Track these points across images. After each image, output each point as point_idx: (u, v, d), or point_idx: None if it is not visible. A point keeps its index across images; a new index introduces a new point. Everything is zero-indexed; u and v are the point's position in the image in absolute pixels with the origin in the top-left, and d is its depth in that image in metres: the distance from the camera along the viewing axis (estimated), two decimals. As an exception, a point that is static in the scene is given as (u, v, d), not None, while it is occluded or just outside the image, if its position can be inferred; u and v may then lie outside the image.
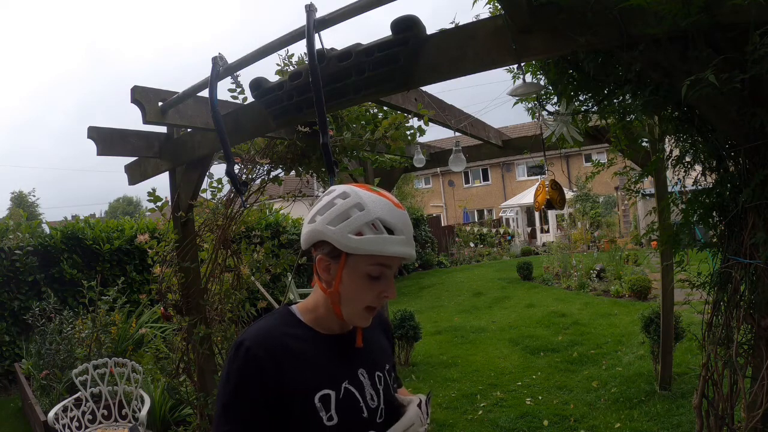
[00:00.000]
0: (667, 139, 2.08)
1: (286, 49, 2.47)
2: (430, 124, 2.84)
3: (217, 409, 0.94)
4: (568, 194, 12.77)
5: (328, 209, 0.96)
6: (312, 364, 0.97)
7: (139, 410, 3.51)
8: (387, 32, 1.81)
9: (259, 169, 3.14)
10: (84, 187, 73.79)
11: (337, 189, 0.99)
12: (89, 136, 2.63)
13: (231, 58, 2.04)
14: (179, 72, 24.62)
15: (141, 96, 2.26)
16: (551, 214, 17.71)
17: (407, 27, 1.76)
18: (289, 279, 6.76)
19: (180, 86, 2.26)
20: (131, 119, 2.30)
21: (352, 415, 0.98)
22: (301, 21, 1.70)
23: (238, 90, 2.62)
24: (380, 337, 1.17)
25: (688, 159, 1.79)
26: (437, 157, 4.93)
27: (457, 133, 3.50)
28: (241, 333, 0.99)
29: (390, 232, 0.94)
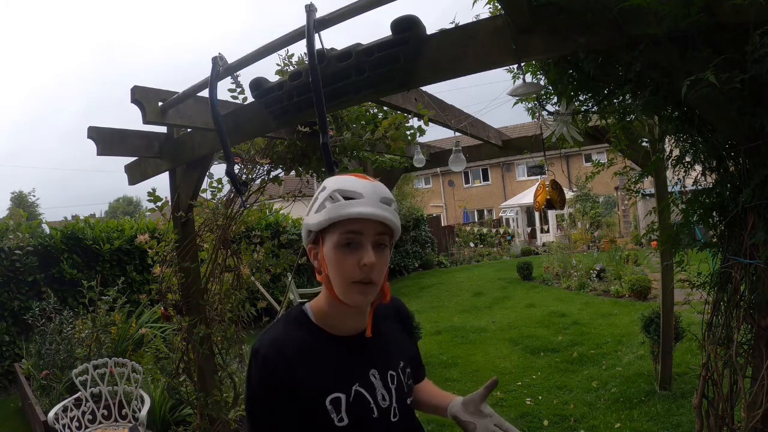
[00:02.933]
0: (667, 139, 2.08)
1: (286, 49, 2.47)
2: (430, 124, 2.84)
3: (246, 418, 1.00)
4: (568, 194, 12.76)
5: (311, 203, 1.02)
6: (323, 368, 0.99)
7: (139, 410, 3.52)
8: (387, 32, 1.81)
9: (259, 169, 3.14)
10: (84, 187, 73.81)
11: None
12: (89, 136, 2.63)
13: (238, 58, 2.03)
14: (188, 70, 24.76)
15: (141, 96, 2.26)
16: (551, 214, 17.70)
17: (407, 27, 1.76)
18: (289, 279, 6.76)
19: (189, 84, 2.26)
20: (137, 118, 2.31)
21: (363, 416, 1.00)
22: (301, 21, 1.70)
23: (238, 90, 2.62)
24: (396, 331, 1.17)
25: (688, 159, 1.79)
26: (437, 157, 4.93)
27: (457, 133, 3.50)
28: (257, 339, 1.02)
29: (349, 199, 0.96)
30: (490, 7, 1.86)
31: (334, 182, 0.99)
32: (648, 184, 5.23)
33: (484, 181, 26.47)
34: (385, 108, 3.01)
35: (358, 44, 1.90)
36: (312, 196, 1.05)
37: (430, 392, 1.26)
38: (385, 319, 1.12)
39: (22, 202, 26.57)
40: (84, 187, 73.63)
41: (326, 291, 1.02)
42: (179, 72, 63.17)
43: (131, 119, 2.34)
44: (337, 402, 0.97)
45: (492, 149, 4.62)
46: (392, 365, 1.09)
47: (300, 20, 1.70)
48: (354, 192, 0.96)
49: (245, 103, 2.64)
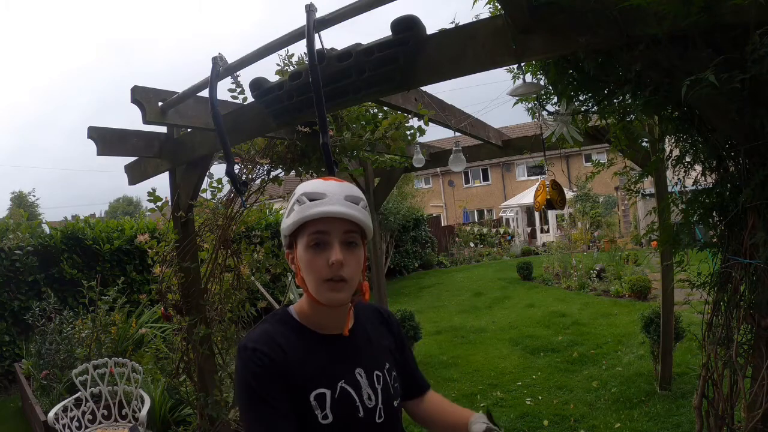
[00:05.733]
0: (667, 139, 2.08)
1: (286, 49, 2.47)
2: (430, 124, 2.84)
3: (242, 415, 0.96)
4: (568, 194, 12.75)
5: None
6: (308, 364, 0.99)
7: (139, 410, 3.52)
8: (388, 32, 1.81)
9: (259, 169, 3.14)
10: (84, 187, 73.79)
11: None
12: (89, 136, 2.63)
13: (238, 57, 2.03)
14: (196, 68, 24.37)
15: (141, 96, 2.26)
16: (551, 214, 17.70)
17: (407, 27, 1.76)
18: (289, 279, 6.76)
19: (193, 83, 2.25)
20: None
21: (348, 414, 0.99)
22: (302, 21, 1.70)
23: (238, 90, 2.62)
24: (383, 336, 1.16)
25: (688, 159, 1.79)
26: (437, 157, 4.93)
27: (457, 133, 3.50)
28: (244, 339, 1.01)
29: (314, 200, 0.97)
30: (490, 7, 1.86)
31: (302, 186, 1.01)
32: (648, 184, 5.22)
33: (484, 181, 26.46)
34: (385, 108, 3.01)
35: (358, 44, 1.90)
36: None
37: (445, 409, 1.21)
38: (371, 322, 1.12)
39: (22, 202, 26.56)
40: (84, 187, 73.69)
41: (305, 293, 1.03)
42: (188, 70, 63.21)
43: (139, 118, 2.34)
44: (321, 398, 0.96)
45: (492, 149, 4.62)
46: (378, 366, 1.08)
47: (301, 20, 1.70)
48: (318, 193, 0.97)
49: (245, 103, 2.64)
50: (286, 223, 1.00)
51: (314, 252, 0.97)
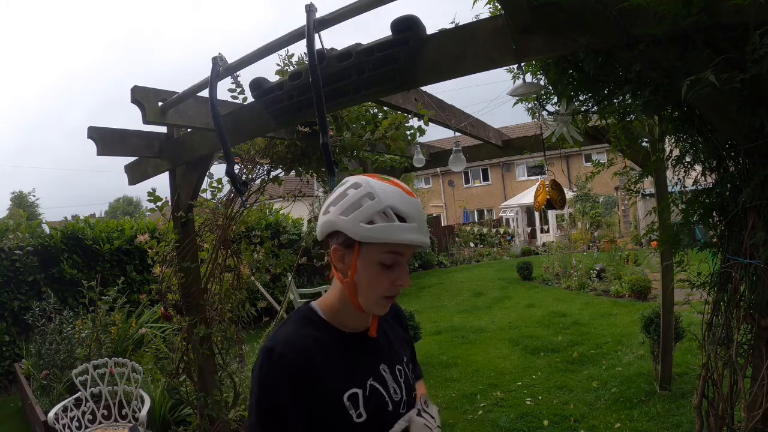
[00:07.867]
0: (667, 139, 2.08)
1: (286, 49, 2.47)
2: (430, 124, 2.84)
3: (251, 417, 0.95)
4: (568, 194, 12.75)
5: (340, 200, 0.98)
6: (339, 365, 1.00)
7: (139, 410, 3.52)
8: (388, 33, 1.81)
9: (259, 169, 3.14)
10: (84, 187, 73.82)
11: (350, 180, 1.01)
12: (89, 136, 2.63)
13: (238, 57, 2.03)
14: (196, 68, 24.11)
15: (141, 96, 2.26)
16: (551, 214, 17.70)
17: (407, 27, 1.76)
18: (289, 279, 6.77)
19: (194, 83, 2.25)
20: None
21: (379, 410, 1.02)
22: (301, 21, 1.70)
23: (238, 90, 2.62)
24: (396, 328, 1.20)
25: (688, 159, 1.79)
26: (437, 157, 4.93)
27: (457, 133, 3.50)
28: (269, 339, 1.01)
29: (402, 219, 0.95)
30: (490, 7, 1.86)
31: (384, 194, 0.95)
32: (648, 184, 5.22)
33: (484, 181, 26.46)
34: (385, 108, 3.01)
35: (358, 44, 1.90)
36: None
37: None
38: (387, 318, 1.15)
39: (22, 202, 26.59)
40: (84, 187, 73.76)
41: (342, 292, 1.02)
42: (189, 70, 62.69)
43: (140, 118, 2.33)
44: (354, 398, 0.98)
45: (492, 149, 4.62)
46: (398, 360, 1.12)
47: (301, 20, 1.70)
48: (408, 214, 0.95)
49: (245, 103, 2.64)
50: (365, 231, 0.93)
51: (384, 269, 0.97)
